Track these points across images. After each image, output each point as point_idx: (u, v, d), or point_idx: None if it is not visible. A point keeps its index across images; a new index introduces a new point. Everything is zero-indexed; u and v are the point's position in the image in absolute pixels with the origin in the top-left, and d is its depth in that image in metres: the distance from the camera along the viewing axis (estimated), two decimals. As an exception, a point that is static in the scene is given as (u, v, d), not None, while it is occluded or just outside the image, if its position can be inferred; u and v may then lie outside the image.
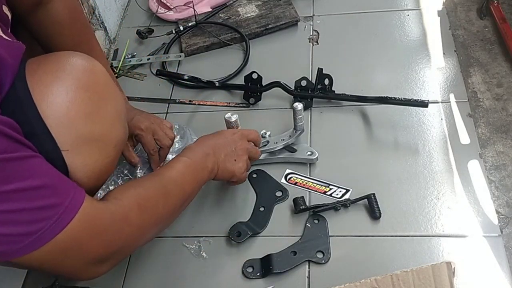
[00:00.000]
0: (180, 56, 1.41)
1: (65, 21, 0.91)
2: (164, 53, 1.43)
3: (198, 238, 1.04)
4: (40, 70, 0.70)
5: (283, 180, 1.11)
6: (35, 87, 0.67)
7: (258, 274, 0.97)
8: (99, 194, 1.00)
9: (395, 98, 1.13)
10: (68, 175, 0.69)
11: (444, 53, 1.31)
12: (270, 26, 1.43)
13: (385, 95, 1.14)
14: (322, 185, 1.08)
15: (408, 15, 1.42)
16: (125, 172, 1.06)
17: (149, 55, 1.44)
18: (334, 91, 1.21)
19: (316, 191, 1.07)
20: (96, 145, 0.72)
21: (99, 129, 0.72)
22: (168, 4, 1.54)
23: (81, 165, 0.70)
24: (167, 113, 1.29)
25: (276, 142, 1.11)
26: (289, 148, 1.12)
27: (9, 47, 0.71)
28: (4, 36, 0.74)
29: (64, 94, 0.68)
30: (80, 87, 0.70)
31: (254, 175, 1.12)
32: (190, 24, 1.46)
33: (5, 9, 0.77)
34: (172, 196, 0.82)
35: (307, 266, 0.97)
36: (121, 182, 1.05)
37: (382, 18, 1.43)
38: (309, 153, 1.12)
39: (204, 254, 1.01)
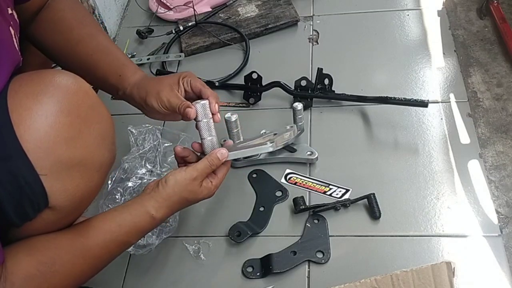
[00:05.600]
0: (180, 56, 1.41)
1: (69, 14, 0.92)
2: (164, 53, 1.43)
3: (198, 238, 1.04)
4: (21, 91, 0.67)
5: (283, 180, 1.11)
6: (14, 110, 0.65)
7: (258, 274, 0.97)
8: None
9: (395, 98, 1.13)
10: (47, 198, 0.68)
11: (444, 53, 1.31)
12: (270, 26, 1.43)
13: (385, 95, 1.14)
14: (322, 185, 1.08)
15: (408, 15, 1.42)
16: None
17: (149, 55, 1.44)
18: (334, 91, 1.21)
19: (316, 191, 1.07)
20: (78, 170, 0.70)
21: (81, 153, 0.70)
22: (168, 4, 1.54)
23: (60, 190, 0.68)
24: (167, 113, 1.29)
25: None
26: (289, 148, 1.12)
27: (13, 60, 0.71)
28: (16, 47, 0.74)
29: (43, 118, 0.66)
30: (61, 111, 0.68)
31: (254, 175, 1.12)
32: (190, 24, 1.46)
33: (14, 13, 0.77)
34: (89, 270, 0.78)
35: (307, 266, 0.97)
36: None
37: (382, 18, 1.43)
38: (309, 153, 1.12)
39: (202, 256, 1.01)
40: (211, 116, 0.89)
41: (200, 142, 0.91)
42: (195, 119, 0.88)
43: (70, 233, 0.75)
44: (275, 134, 1.03)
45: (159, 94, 0.90)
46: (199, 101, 0.88)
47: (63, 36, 0.91)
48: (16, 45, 0.74)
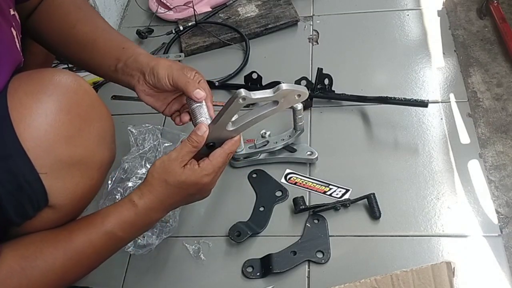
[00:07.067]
0: (180, 56, 1.41)
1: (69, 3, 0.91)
2: (164, 53, 1.43)
3: (198, 238, 1.04)
4: (20, 90, 0.67)
5: (283, 180, 1.11)
6: (14, 108, 0.65)
7: (258, 274, 0.97)
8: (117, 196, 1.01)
9: (395, 98, 1.13)
10: (47, 197, 0.68)
11: (444, 53, 1.31)
12: (270, 26, 1.43)
13: (385, 95, 1.14)
14: (322, 185, 1.08)
15: (408, 15, 1.42)
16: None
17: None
18: (334, 91, 1.21)
19: (316, 191, 1.07)
20: (78, 169, 0.70)
21: (81, 152, 0.69)
22: (168, 4, 1.54)
23: (60, 189, 0.68)
24: (167, 113, 1.28)
25: (276, 142, 1.11)
26: (289, 148, 1.12)
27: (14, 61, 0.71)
28: (18, 47, 0.74)
29: (43, 117, 0.66)
30: (61, 110, 0.68)
31: (254, 175, 1.12)
32: (190, 24, 1.46)
33: (16, 13, 0.77)
34: (73, 266, 0.74)
35: (307, 266, 0.97)
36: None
37: (382, 18, 1.43)
38: (309, 153, 1.12)
39: (202, 256, 1.01)
40: (203, 102, 0.86)
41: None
42: (189, 107, 0.86)
43: (58, 228, 0.74)
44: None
45: (171, 67, 0.86)
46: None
47: (61, 19, 0.90)
48: (18, 46, 0.74)
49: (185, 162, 0.80)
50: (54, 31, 0.90)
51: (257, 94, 0.80)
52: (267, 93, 0.80)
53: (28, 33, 0.91)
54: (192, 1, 1.49)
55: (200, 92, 0.84)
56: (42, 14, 0.89)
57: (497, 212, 1.00)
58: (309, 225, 1.02)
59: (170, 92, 0.91)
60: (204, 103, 0.86)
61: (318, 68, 1.20)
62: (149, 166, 1.11)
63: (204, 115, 0.85)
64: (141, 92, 0.90)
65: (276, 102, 0.82)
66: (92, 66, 0.93)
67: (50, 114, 0.67)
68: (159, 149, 1.14)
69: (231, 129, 0.83)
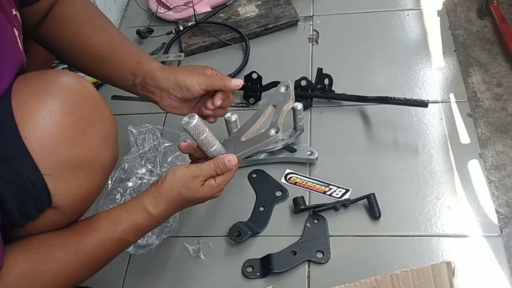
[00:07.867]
0: (180, 56, 1.41)
1: (79, 9, 0.92)
2: (164, 53, 1.43)
3: (198, 238, 1.04)
4: (25, 91, 0.67)
5: (283, 180, 1.11)
6: (18, 109, 0.65)
7: (258, 274, 0.97)
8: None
9: (395, 98, 1.13)
10: (51, 198, 0.68)
11: (444, 53, 1.31)
12: (270, 26, 1.43)
13: (385, 95, 1.14)
14: (322, 185, 1.08)
15: (408, 15, 1.43)
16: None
17: (149, 55, 1.44)
18: (334, 91, 1.21)
19: (316, 191, 1.07)
20: (81, 170, 0.70)
21: (84, 154, 0.70)
22: (168, 4, 1.54)
23: (64, 190, 0.69)
24: (166, 113, 1.28)
25: (276, 142, 1.11)
26: (289, 148, 1.12)
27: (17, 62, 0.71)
28: (21, 47, 0.74)
29: (47, 118, 0.66)
30: (65, 112, 0.68)
31: (254, 175, 1.12)
32: (190, 24, 1.46)
33: (18, 14, 0.76)
34: (84, 268, 0.76)
35: (307, 266, 0.97)
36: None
37: (382, 18, 1.43)
38: (309, 153, 1.12)
39: (202, 256, 1.01)
40: (206, 130, 0.84)
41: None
42: (193, 138, 0.85)
43: (66, 231, 0.74)
44: (274, 106, 0.93)
45: (194, 74, 0.91)
46: (188, 120, 0.82)
47: (74, 31, 0.90)
48: (20, 46, 0.75)
49: (204, 180, 0.83)
50: (68, 44, 0.91)
51: (281, 120, 0.87)
52: (282, 114, 0.88)
53: (40, 43, 0.91)
54: (192, 1, 1.49)
55: (237, 80, 0.93)
56: (54, 24, 0.89)
57: (497, 212, 1.00)
58: (309, 225, 1.02)
59: (197, 97, 0.94)
60: (207, 133, 0.85)
61: (318, 68, 1.20)
62: (149, 166, 1.11)
63: (212, 143, 0.85)
64: (167, 107, 0.94)
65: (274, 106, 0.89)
66: (109, 79, 0.95)
67: (54, 116, 0.67)
68: (159, 149, 1.15)
69: (243, 140, 0.89)
